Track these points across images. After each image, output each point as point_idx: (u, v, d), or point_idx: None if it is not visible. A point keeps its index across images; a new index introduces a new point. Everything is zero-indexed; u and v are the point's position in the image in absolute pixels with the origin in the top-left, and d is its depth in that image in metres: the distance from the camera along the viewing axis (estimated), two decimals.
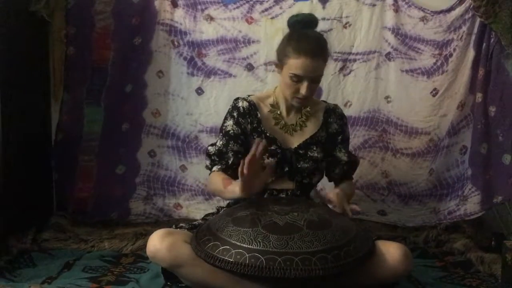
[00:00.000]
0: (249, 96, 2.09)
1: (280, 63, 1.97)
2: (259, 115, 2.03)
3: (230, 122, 2.02)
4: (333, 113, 2.10)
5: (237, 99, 2.06)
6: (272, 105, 2.05)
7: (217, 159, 2.02)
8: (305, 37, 1.93)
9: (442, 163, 2.62)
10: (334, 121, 2.09)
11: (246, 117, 2.01)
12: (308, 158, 2.01)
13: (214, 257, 1.64)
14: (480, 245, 2.42)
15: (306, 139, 2.02)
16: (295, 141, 2.03)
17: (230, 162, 1.99)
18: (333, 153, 2.08)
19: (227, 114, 2.05)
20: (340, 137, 2.09)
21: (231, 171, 1.98)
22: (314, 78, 1.92)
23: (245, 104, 2.03)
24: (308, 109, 2.06)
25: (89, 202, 2.65)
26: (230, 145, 1.99)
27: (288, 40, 1.95)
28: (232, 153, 1.99)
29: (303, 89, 1.91)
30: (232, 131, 2.00)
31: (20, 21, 2.43)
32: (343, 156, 2.09)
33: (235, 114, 2.02)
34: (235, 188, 1.82)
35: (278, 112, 2.05)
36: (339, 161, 2.09)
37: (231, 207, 1.97)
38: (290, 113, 2.06)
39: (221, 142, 2.01)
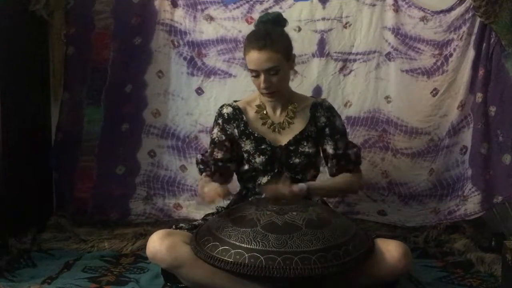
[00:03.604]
0: (235, 101, 2.13)
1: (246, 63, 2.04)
2: (245, 118, 2.06)
3: (215, 130, 2.08)
4: (320, 107, 2.10)
5: (221, 106, 2.11)
6: (258, 106, 2.08)
7: (202, 167, 2.11)
8: (254, 33, 2.00)
9: (442, 163, 2.62)
10: (322, 115, 2.09)
11: (231, 122, 2.06)
12: (300, 153, 2.02)
13: (213, 258, 1.64)
14: (480, 245, 2.42)
15: (295, 135, 2.04)
16: (285, 138, 2.04)
17: (213, 169, 2.06)
18: (323, 146, 2.09)
19: (214, 122, 2.11)
20: (327, 129, 2.08)
21: (216, 177, 2.04)
22: (269, 70, 1.94)
23: (229, 110, 2.07)
24: (294, 105, 2.08)
25: (89, 202, 2.65)
26: (214, 153, 2.06)
27: (244, 40, 2.03)
28: (213, 161, 2.06)
29: (261, 82, 1.95)
30: (216, 139, 2.06)
31: (20, 21, 2.43)
32: (330, 149, 2.08)
33: (220, 121, 2.07)
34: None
35: (264, 112, 2.07)
36: (327, 155, 2.09)
37: (230, 208, 1.98)
38: (276, 111, 2.08)
39: (208, 151, 2.10)
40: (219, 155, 2.04)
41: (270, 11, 2.61)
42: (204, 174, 2.09)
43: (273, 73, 1.95)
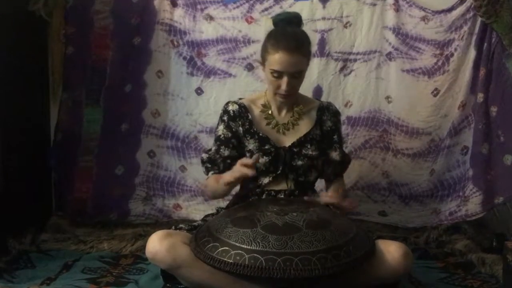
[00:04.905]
0: (240, 99, 2.12)
1: (262, 60, 2.01)
2: (250, 116, 2.05)
3: (221, 127, 2.06)
4: (326, 110, 2.11)
5: (227, 103, 2.10)
6: (263, 105, 2.08)
7: (209, 166, 2.05)
8: (282, 33, 1.96)
9: (443, 164, 2.61)
10: (328, 119, 2.10)
11: (237, 120, 2.04)
12: (303, 155, 2.01)
13: (213, 258, 1.63)
14: (481, 246, 2.41)
15: (300, 137, 2.03)
16: (289, 139, 2.04)
17: (221, 167, 2.02)
18: (327, 151, 2.08)
19: (219, 119, 2.09)
20: (335, 136, 2.10)
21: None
22: (293, 73, 1.93)
23: (235, 107, 2.06)
24: (300, 107, 2.07)
25: (88, 203, 2.64)
26: (221, 151, 2.03)
27: (268, 37, 1.99)
28: (221, 159, 2.02)
29: (284, 84, 1.94)
30: (222, 136, 2.04)
31: (19, 20, 2.42)
32: (337, 156, 2.09)
33: (225, 118, 2.06)
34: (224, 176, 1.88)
35: (270, 112, 2.06)
36: (332, 160, 2.09)
37: (230, 208, 1.97)
38: (282, 112, 2.08)
39: (213, 149, 2.06)
40: (226, 152, 2.02)
41: (270, 11, 2.62)
42: (210, 173, 2.04)
43: (297, 76, 1.95)
